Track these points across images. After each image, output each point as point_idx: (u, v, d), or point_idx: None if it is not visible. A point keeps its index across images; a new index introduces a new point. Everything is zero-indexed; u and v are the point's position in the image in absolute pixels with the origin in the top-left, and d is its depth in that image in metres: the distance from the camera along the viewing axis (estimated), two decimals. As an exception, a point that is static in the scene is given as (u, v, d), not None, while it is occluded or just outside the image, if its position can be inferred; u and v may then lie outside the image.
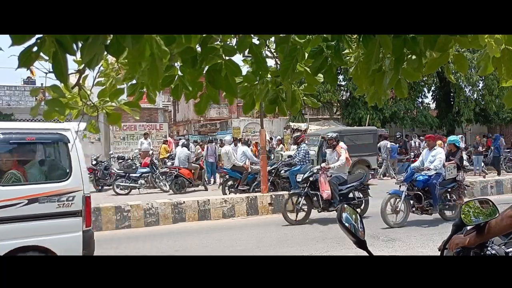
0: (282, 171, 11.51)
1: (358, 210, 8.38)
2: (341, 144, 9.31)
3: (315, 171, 8.83)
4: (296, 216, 8.58)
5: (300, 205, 8.62)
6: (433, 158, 8.27)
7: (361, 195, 8.89)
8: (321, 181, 8.48)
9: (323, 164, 9.00)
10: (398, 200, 8.03)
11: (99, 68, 2.19)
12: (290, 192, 9.15)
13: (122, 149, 19.34)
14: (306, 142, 13.90)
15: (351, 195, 8.85)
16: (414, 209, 8.20)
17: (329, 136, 9.40)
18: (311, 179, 8.64)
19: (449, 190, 8.49)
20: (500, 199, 9.70)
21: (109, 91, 2.18)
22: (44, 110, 1.88)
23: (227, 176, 11.99)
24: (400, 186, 8.12)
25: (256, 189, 11.21)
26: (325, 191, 8.39)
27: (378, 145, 17.41)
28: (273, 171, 11.45)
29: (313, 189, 8.62)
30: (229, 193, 11.44)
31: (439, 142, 9.59)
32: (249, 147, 15.32)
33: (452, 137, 9.70)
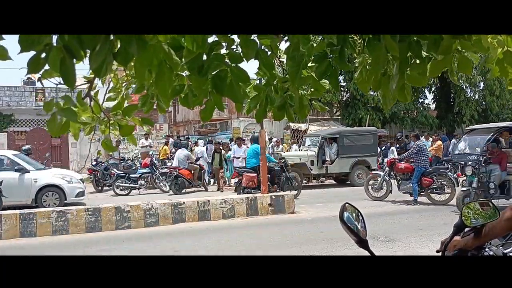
0: None
1: None
2: None
3: None
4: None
5: None
6: None
7: None
8: None
9: None
10: None
11: (108, 83, 2.17)
12: None
13: (122, 150, 19.34)
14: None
15: None
16: None
17: None
18: None
19: None
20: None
21: (122, 105, 2.16)
22: (49, 122, 1.75)
23: None
24: None
25: None
26: None
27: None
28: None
29: None
30: None
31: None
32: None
33: None
